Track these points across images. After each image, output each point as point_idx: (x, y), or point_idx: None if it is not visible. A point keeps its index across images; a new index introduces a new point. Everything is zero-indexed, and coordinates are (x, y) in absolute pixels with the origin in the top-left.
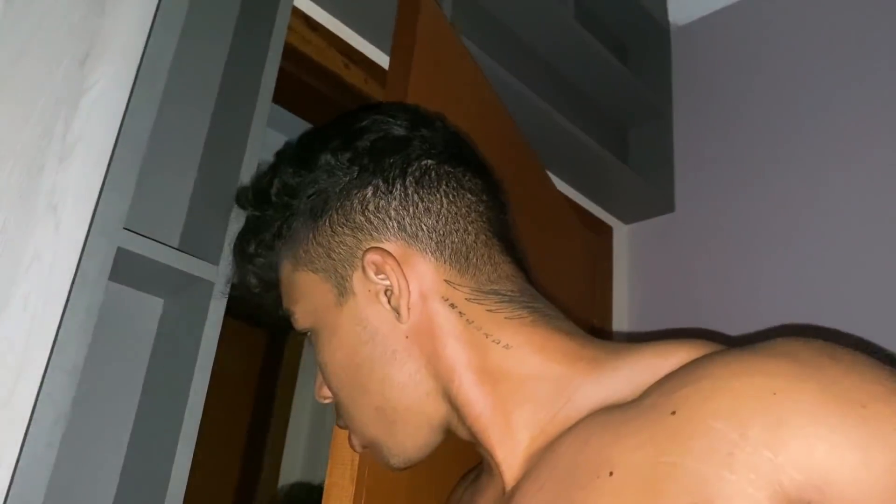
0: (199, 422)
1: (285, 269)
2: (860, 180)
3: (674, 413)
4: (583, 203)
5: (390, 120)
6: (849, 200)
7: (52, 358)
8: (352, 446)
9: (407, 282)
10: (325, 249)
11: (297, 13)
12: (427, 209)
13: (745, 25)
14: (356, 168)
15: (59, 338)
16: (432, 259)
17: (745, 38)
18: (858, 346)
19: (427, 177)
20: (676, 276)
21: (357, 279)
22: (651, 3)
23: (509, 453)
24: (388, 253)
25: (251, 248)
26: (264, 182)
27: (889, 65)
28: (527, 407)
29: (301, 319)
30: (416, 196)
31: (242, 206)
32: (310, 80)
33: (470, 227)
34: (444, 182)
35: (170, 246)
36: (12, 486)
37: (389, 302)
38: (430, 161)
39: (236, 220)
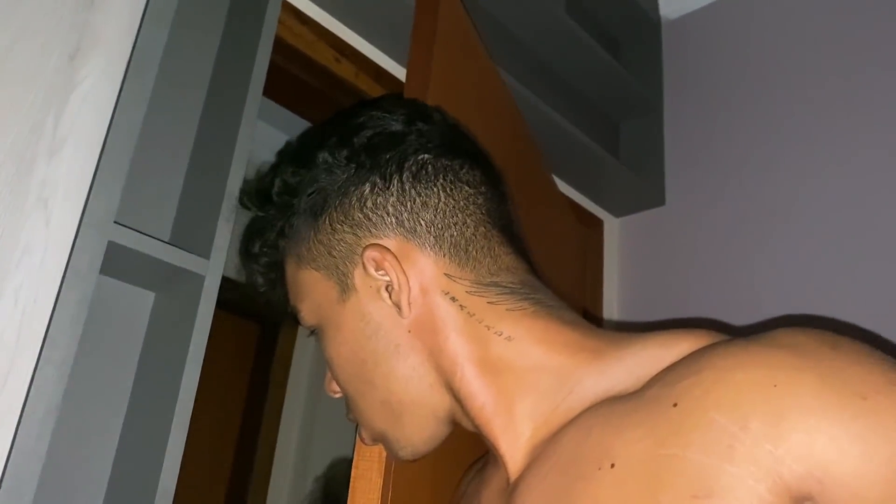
0: (190, 414)
1: (290, 267)
2: (849, 174)
3: (675, 405)
4: (573, 196)
5: (387, 115)
6: (838, 194)
7: (43, 351)
8: (362, 439)
9: (407, 277)
10: (326, 247)
11: (287, 7)
12: (424, 204)
13: (736, 19)
14: (353, 165)
15: (50, 331)
16: (431, 253)
17: (735, 32)
18: (864, 337)
19: (424, 171)
20: (667, 268)
21: (358, 276)
22: None
23: (512, 444)
24: (388, 249)
25: (255, 248)
26: (265, 182)
27: (879, 58)
28: (529, 398)
29: (307, 317)
30: (413, 191)
31: (245, 206)
32: (300, 73)
33: (468, 220)
34: (440, 176)
35: (160, 240)
36: (4, 477)
37: (391, 297)
38: (426, 155)
39: (227, 215)
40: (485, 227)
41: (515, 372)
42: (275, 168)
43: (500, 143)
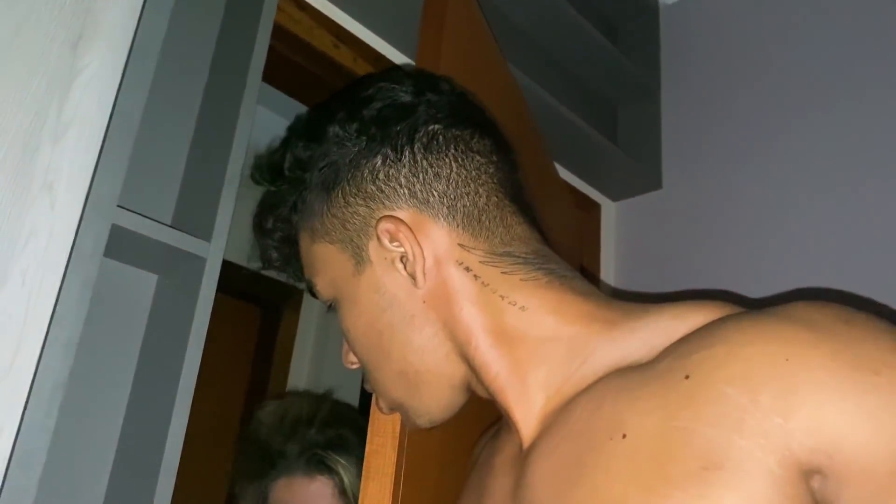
0: (192, 394)
1: (304, 241)
2: (848, 158)
3: (687, 377)
4: (571, 180)
5: (396, 87)
6: (836, 178)
7: (49, 331)
8: (379, 409)
9: (421, 248)
10: (340, 221)
11: None
12: (437, 174)
13: (734, 4)
14: (364, 138)
15: (56, 312)
16: (445, 224)
17: (733, 16)
18: (880, 312)
19: (435, 142)
20: (663, 252)
21: (373, 248)
22: None
23: (526, 413)
24: (401, 220)
25: (269, 224)
26: (276, 156)
27: (878, 44)
28: (542, 368)
29: (323, 290)
30: (424, 162)
31: (257, 182)
32: (299, 59)
33: (481, 190)
34: (452, 146)
35: (163, 223)
36: (14, 451)
37: (405, 269)
38: (437, 126)
39: (228, 198)
40: (497, 197)
41: (529, 342)
42: (285, 143)
43: (505, 126)
